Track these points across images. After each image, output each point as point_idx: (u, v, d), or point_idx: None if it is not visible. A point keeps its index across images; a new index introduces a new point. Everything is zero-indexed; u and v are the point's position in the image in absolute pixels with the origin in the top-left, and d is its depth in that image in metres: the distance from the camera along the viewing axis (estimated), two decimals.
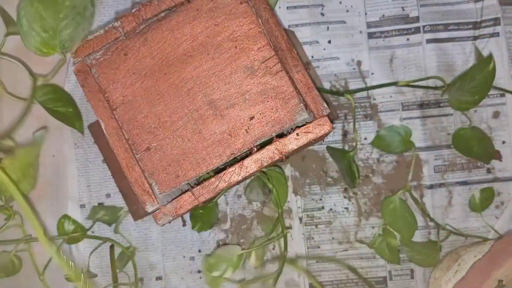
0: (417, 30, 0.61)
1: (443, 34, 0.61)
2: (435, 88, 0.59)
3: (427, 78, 0.59)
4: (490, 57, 0.53)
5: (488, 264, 0.54)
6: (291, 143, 0.46)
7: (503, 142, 0.60)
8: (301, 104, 0.47)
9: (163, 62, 0.48)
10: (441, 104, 0.61)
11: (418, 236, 0.60)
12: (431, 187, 0.61)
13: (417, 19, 0.61)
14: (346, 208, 0.61)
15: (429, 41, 0.61)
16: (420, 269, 0.61)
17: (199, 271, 0.61)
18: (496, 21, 0.60)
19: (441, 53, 0.61)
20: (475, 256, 0.56)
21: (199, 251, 0.61)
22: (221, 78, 0.48)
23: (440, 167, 0.61)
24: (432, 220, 0.59)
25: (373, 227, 0.61)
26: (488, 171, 0.60)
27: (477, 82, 0.54)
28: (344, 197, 0.61)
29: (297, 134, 0.46)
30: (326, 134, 0.48)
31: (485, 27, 0.60)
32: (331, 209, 0.61)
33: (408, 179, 0.59)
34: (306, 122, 0.47)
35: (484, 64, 0.53)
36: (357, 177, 0.56)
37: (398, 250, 0.59)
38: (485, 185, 0.60)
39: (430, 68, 0.60)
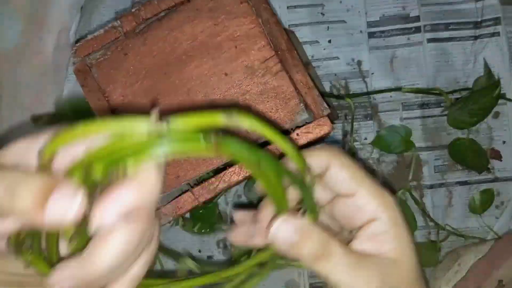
0: (417, 30, 0.61)
1: (444, 34, 0.61)
2: (439, 106, 0.60)
3: (430, 90, 0.59)
4: (498, 82, 0.54)
5: (488, 264, 0.54)
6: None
7: (504, 142, 0.60)
8: (301, 104, 0.46)
9: (163, 62, 0.48)
10: (442, 104, 0.61)
11: (418, 236, 0.60)
12: (431, 187, 0.60)
13: (417, 18, 0.61)
14: None
15: (429, 40, 0.61)
16: None
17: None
18: (496, 21, 0.60)
19: (442, 53, 0.61)
20: (475, 256, 0.56)
21: (199, 251, 0.61)
22: (221, 78, 0.47)
23: (440, 167, 0.61)
24: (432, 220, 0.59)
25: None
26: (488, 171, 0.60)
27: (479, 105, 0.54)
28: None
29: (297, 134, 0.46)
30: (327, 135, 0.48)
31: (486, 26, 0.60)
32: None
33: (408, 179, 0.59)
34: (306, 122, 0.47)
35: (490, 90, 0.53)
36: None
37: None
38: (485, 185, 0.60)
39: (431, 68, 0.60)
